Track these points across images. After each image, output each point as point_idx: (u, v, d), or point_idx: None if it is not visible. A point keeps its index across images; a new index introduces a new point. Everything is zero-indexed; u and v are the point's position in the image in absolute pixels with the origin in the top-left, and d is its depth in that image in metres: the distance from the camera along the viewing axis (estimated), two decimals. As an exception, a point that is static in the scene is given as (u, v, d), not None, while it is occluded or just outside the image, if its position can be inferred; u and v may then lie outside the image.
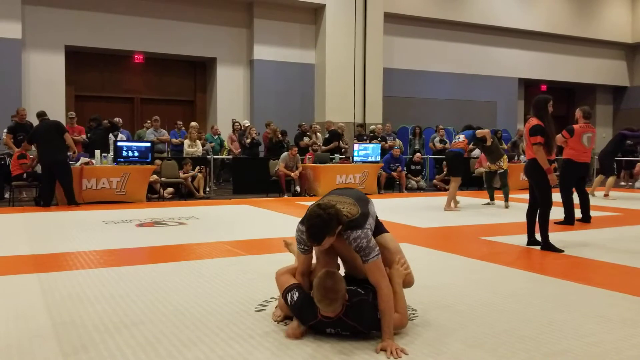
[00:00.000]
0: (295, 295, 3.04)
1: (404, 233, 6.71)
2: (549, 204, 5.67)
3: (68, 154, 9.45)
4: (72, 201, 9.16)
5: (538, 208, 5.75)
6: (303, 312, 3.00)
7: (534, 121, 5.68)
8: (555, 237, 5.80)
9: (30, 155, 9.98)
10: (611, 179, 11.40)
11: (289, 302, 3.06)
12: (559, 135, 7.47)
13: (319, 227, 2.86)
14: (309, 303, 2.94)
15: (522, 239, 5.96)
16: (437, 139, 15.35)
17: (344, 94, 16.21)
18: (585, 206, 7.72)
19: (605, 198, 11.19)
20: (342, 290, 2.84)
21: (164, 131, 13.09)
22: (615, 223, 7.71)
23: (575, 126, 7.49)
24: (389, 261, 3.15)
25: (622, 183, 14.86)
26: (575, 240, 6.24)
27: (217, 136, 13.80)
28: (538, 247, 5.70)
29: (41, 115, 9.49)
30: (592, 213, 7.80)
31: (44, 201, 9.18)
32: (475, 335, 3.06)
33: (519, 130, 15.65)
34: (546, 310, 3.54)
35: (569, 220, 7.43)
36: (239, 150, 13.54)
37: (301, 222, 3.07)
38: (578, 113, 7.65)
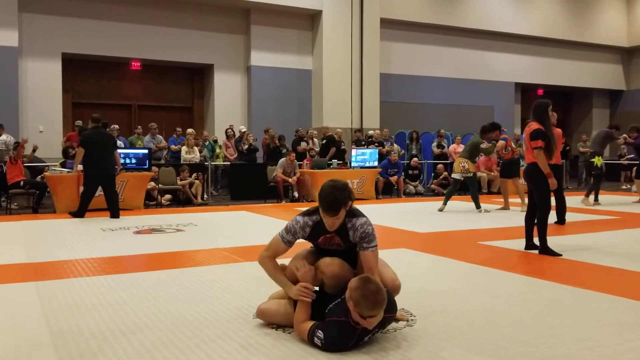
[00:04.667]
0: (320, 333, 2.85)
1: (402, 238, 6.71)
2: (547, 208, 5.66)
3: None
4: (117, 214, 8.77)
5: (536, 212, 5.76)
6: (342, 339, 2.84)
7: (534, 125, 5.67)
8: (552, 241, 5.79)
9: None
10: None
11: (321, 346, 2.84)
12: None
13: (336, 196, 2.96)
14: (340, 326, 2.83)
15: (520, 244, 5.97)
16: (435, 143, 15.38)
17: (342, 100, 16.23)
18: (562, 209, 7.75)
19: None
20: (384, 289, 2.85)
21: (161, 137, 13.09)
22: (614, 226, 7.71)
23: None
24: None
25: (624, 187, 14.89)
26: (574, 244, 6.24)
27: (208, 142, 13.79)
28: (536, 251, 5.71)
29: (98, 120, 9.06)
30: (592, 217, 7.83)
31: (80, 212, 8.71)
32: (474, 340, 3.06)
33: (516, 135, 15.72)
34: (545, 314, 3.53)
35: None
36: (234, 156, 13.54)
37: (302, 215, 3.18)
38: None
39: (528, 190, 5.97)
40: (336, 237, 3.16)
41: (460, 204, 10.61)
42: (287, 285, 3.15)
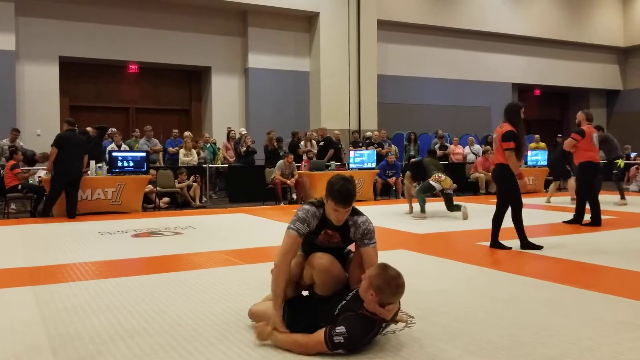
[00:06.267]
0: (341, 329, 2.76)
1: (401, 239, 6.71)
2: (506, 208, 5.87)
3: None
4: (74, 214, 9.17)
5: (519, 211, 5.90)
6: (364, 331, 2.81)
7: (506, 127, 5.78)
8: (553, 241, 5.81)
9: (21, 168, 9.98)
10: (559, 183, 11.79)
11: (344, 341, 2.75)
12: (569, 140, 7.54)
13: (349, 188, 3.01)
14: (360, 318, 2.81)
15: (517, 244, 5.97)
16: (437, 145, 15.37)
17: (339, 101, 16.24)
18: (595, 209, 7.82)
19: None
20: (402, 274, 2.89)
21: (156, 141, 13.07)
22: (611, 226, 7.71)
23: (584, 127, 7.52)
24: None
25: (626, 186, 14.88)
26: (571, 243, 6.25)
27: (209, 144, 13.79)
28: (533, 251, 5.73)
29: (73, 124, 9.41)
30: (586, 216, 7.86)
31: (45, 211, 9.12)
32: (473, 341, 3.06)
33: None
34: (543, 314, 3.54)
35: (596, 222, 7.60)
36: (234, 158, 13.53)
37: (310, 204, 3.17)
38: (581, 116, 7.70)
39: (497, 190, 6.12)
40: (337, 234, 3.17)
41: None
42: (276, 302, 3.01)
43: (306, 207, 3.15)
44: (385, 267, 2.88)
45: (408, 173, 9.69)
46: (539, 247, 5.83)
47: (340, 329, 2.78)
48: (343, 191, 2.98)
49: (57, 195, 9.18)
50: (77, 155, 9.17)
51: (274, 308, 3.01)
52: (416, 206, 9.21)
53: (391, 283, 2.80)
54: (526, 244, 5.87)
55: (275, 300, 3.04)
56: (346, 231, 3.15)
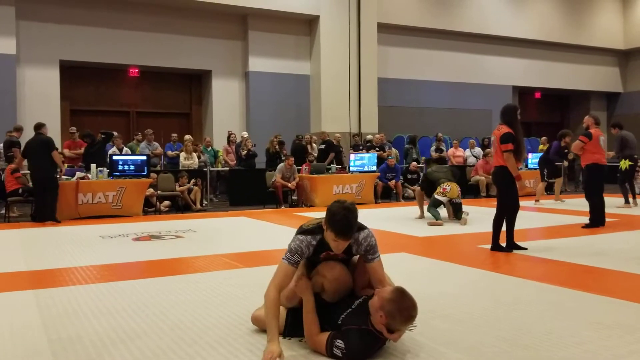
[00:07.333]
0: (340, 343, 2.76)
1: (402, 242, 6.71)
2: (506, 210, 5.92)
3: (57, 170, 9.37)
4: (52, 217, 9.01)
5: (514, 213, 5.98)
6: (365, 347, 2.79)
7: (504, 129, 5.81)
8: (553, 243, 5.80)
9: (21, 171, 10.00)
10: (541, 185, 11.96)
11: (341, 355, 2.74)
12: (577, 142, 7.69)
13: (350, 220, 2.87)
14: (363, 335, 2.78)
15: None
16: (434, 147, 15.38)
17: (340, 105, 16.25)
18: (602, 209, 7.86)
19: (537, 203, 11.44)
20: (417, 304, 2.81)
21: (157, 144, 13.09)
22: (612, 229, 7.71)
23: (592, 130, 7.65)
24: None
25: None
26: (572, 246, 6.24)
27: (210, 148, 13.79)
28: (534, 253, 5.74)
29: (37, 128, 9.37)
30: (586, 219, 7.89)
31: (38, 216, 9.14)
32: (475, 344, 3.05)
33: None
34: (545, 318, 3.53)
35: (598, 222, 7.61)
36: (235, 161, 13.53)
37: (302, 233, 3.04)
38: (589, 120, 7.87)
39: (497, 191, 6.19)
40: (339, 254, 3.11)
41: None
42: (271, 337, 2.79)
43: (300, 237, 3.02)
44: (402, 295, 2.76)
45: (419, 189, 9.39)
46: (524, 248, 5.96)
47: (341, 343, 2.76)
48: (344, 223, 2.85)
49: (39, 198, 9.21)
50: (37, 156, 9.07)
51: (269, 338, 2.80)
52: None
53: (404, 314, 2.73)
54: (511, 245, 5.97)
55: (269, 335, 2.82)
56: (348, 249, 3.07)
